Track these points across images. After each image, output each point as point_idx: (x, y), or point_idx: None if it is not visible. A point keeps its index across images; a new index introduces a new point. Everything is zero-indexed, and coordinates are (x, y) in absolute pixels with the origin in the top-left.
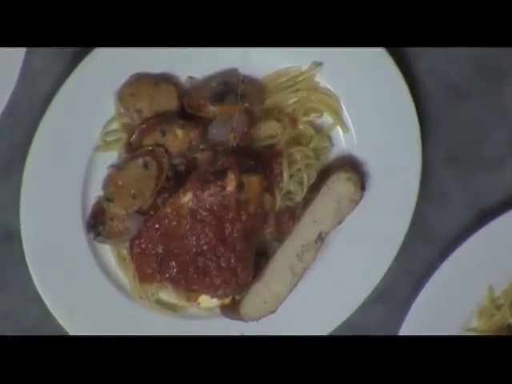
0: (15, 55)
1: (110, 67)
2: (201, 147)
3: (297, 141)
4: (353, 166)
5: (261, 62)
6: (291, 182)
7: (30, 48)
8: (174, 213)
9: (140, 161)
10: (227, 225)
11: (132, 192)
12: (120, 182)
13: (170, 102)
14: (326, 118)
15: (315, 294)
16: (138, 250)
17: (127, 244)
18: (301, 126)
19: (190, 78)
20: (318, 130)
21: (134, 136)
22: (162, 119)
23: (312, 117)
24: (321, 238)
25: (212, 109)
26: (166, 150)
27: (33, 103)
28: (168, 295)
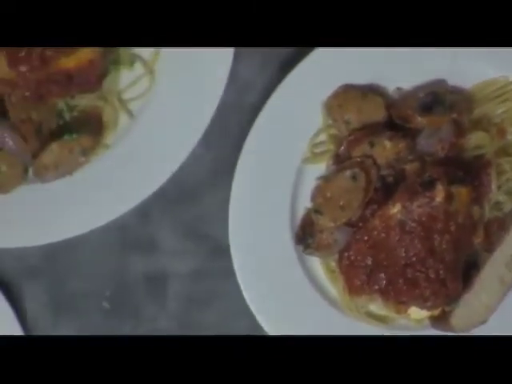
0: (222, 63)
1: (318, 78)
2: (409, 158)
3: (505, 151)
4: None
5: (469, 71)
6: (499, 193)
7: (236, 57)
8: (383, 224)
9: (348, 172)
10: (436, 236)
11: (341, 204)
12: (328, 194)
13: (377, 113)
14: None
15: None
16: (347, 262)
17: (335, 256)
18: (509, 137)
19: (398, 88)
20: None
21: (342, 147)
22: (369, 130)
23: None
24: None
25: (420, 120)
26: (375, 162)
27: (241, 113)
28: (377, 307)
